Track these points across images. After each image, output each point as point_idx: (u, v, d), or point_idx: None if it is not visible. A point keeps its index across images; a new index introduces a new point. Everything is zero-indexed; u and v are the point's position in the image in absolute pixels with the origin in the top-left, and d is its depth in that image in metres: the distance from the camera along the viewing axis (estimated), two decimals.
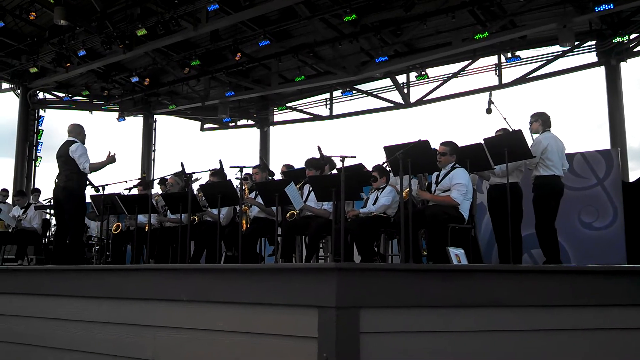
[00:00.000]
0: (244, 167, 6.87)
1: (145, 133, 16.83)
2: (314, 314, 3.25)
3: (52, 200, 8.19)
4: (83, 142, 6.93)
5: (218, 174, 7.49)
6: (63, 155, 6.83)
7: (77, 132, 6.99)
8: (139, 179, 8.46)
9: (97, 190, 7.30)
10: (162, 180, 8.68)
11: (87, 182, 7.07)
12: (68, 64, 12.97)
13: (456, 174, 5.67)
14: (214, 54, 13.27)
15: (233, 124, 17.76)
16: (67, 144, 6.85)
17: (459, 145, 5.94)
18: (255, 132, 17.75)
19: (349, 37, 11.88)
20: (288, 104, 16.84)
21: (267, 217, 7.02)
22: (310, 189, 6.49)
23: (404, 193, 5.30)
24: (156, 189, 9.16)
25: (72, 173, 6.73)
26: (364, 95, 15.46)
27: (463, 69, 13.78)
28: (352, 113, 15.99)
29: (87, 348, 4.47)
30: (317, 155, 6.94)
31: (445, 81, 14.13)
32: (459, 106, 17.95)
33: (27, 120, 15.28)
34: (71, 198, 6.76)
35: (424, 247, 6.16)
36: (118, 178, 8.07)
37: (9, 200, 10.92)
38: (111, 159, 6.89)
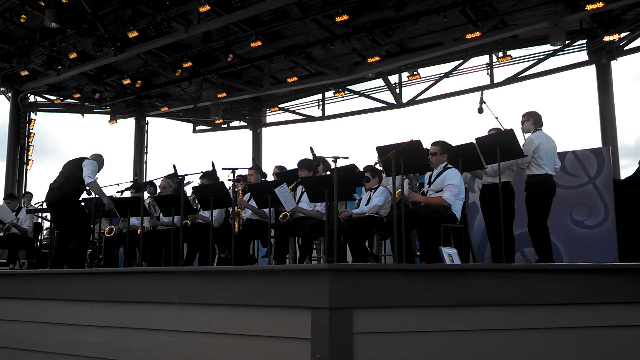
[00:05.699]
0: (237, 168, 6.85)
1: (137, 135, 16.76)
2: (307, 315, 3.25)
3: (44, 204, 8.11)
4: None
5: (208, 176, 7.46)
6: (72, 163, 6.84)
7: (98, 162, 6.98)
8: (131, 181, 8.42)
9: (88, 193, 7.23)
10: (150, 183, 8.60)
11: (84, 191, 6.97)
12: (59, 67, 12.91)
13: (448, 175, 5.68)
14: (205, 56, 13.24)
15: (225, 125, 17.72)
16: (84, 158, 6.83)
17: (452, 145, 5.95)
18: (247, 134, 17.76)
19: (341, 38, 11.89)
20: (280, 105, 16.82)
21: (259, 220, 7.00)
22: (303, 189, 6.49)
23: (396, 193, 5.30)
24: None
25: (73, 179, 6.68)
26: (356, 95, 15.47)
27: (455, 68, 13.80)
28: (345, 114, 15.99)
29: (79, 352, 4.46)
30: (310, 156, 6.94)
31: (437, 81, 14.16)
32: (451, 106, 18.03)
33: (18, 124, 15.21)
34: (65, 203, 6.71)
35: (417, 247, 6.16)
36: (110, 181, 8.02)
37: (0, 202, 10.86)
38: (109, 204, 6.81)
